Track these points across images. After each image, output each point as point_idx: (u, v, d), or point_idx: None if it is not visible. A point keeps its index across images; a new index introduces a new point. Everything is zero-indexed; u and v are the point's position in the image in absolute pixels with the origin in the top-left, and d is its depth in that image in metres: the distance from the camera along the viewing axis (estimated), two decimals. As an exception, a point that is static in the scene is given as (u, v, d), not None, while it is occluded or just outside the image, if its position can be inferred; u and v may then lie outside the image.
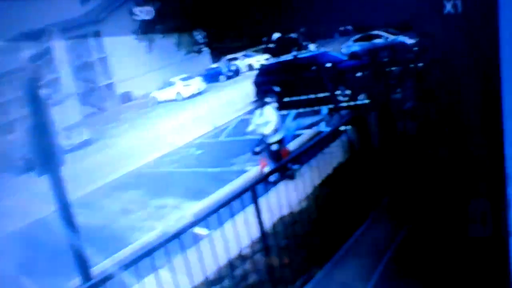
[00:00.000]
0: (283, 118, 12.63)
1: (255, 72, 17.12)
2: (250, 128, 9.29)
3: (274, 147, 8.95)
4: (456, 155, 4.73)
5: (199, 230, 4.47)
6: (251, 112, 14.08)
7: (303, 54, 16.56)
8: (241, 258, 5.56)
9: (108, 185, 11.36)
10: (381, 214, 6.01)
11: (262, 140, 9.11)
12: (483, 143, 4.37)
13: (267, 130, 9.05)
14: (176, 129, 14.22)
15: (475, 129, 4.55)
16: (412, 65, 10.15)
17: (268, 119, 9.03)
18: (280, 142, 9.12)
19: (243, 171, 9.22)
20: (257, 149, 9.18)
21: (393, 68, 13.42)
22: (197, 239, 4.50)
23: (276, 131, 9.11)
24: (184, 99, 21.54)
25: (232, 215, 4.85)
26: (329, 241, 5.45)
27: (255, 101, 15.11)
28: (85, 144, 17.17)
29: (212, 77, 25.22)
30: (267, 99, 9.70)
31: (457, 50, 4.69)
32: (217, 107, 14.57)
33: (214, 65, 26.86)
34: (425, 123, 6.26)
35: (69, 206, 6.33)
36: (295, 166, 7.23)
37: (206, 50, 29.47)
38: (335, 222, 5.74)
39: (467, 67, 4.59)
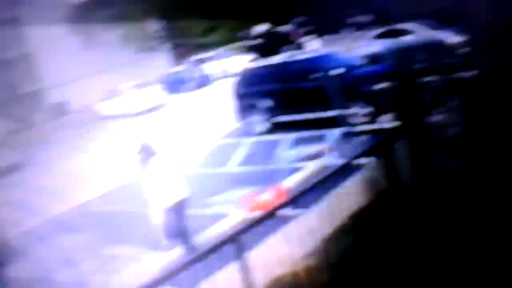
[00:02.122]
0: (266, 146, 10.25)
1: (233, 80, 13.48)
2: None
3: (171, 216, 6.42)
4: None
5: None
6: (230, 135, 12.17)
7: (299, 56, 12.94)
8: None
9: (45, 226, 9.78)
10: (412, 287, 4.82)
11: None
12: None
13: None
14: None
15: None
16: (458, 74, 8.31)
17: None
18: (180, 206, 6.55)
19: (223, 215, 7.81)
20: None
21: (429, 78, 10.44)
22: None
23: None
24: (136, 114, 18.50)
25: (210, 271, 4.11)
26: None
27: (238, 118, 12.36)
28: (11, 170, 15.14)
29: (171, 86, 21.11)
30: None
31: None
32: (180, 127, 12.78)
33: (176, 69, 22.72)
34: (475, 160, 5.05)
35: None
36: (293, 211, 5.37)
37: (164, 47, 25.23)
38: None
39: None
